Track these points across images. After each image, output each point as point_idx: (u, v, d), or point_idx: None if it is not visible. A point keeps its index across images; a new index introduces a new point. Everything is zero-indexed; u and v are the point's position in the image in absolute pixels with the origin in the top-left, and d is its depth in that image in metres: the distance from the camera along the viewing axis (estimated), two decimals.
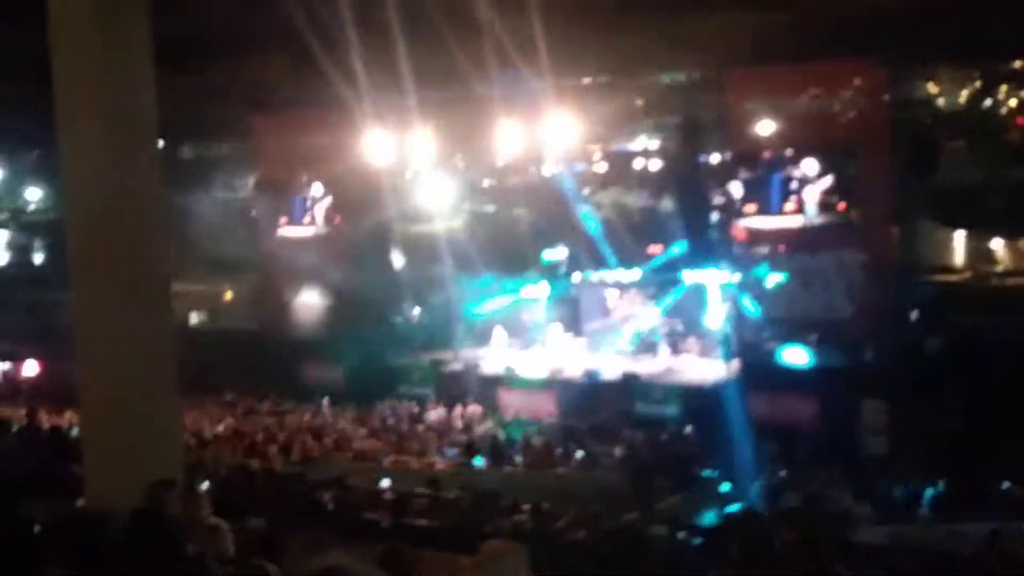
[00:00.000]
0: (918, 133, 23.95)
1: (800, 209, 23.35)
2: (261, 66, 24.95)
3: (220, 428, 22.01)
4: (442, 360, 27.22)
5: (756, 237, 23.91)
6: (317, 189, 30.14)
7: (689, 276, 26.81)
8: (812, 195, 23.22)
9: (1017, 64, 26.88)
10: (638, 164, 27.28)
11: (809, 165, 23.14)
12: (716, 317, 25.88)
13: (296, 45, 21.71)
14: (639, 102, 24.94)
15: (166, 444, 10.26)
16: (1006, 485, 16.07)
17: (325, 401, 25.33)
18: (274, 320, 30.60)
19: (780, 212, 23.58)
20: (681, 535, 12.12)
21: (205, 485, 10.53)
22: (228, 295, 37.01)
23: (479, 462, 19.83)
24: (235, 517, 8.63)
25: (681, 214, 25.74)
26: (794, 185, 23.41)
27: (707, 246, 25.01)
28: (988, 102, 27.96)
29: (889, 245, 23.41)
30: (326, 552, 7.89)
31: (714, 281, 25.91)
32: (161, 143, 11.33)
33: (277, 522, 9.11)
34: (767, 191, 23.75)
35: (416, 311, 29.79)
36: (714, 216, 24.96)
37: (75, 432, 14.46)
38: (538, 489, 15.58)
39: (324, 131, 28.36)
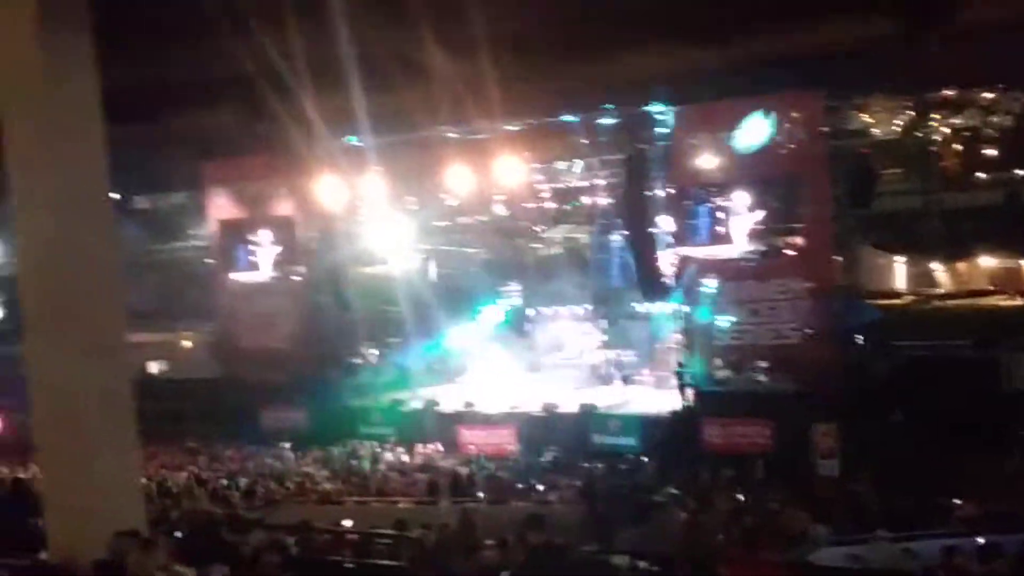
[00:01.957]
0: (856, 162, 24.34)
1: (745, 239, 23.75)
2: (213, 115, 25.04)
3: (183, 476, 21.98)
4: (401, 400, 27.36)
5: (704, 267, 24.24)
6: (272, 235, 30.20)
7: (641, 308, 27.25)
8: (755, 225, 23.63)
9: (948, 93, 27.52)
10: (586, 200, 27.78)
11: (751, 196, 23.55)
12: (668, 347, 26.29)
13: (248, 93, 21.89)
14: (584, 140, 25.27)
15: (127, 495, 10.37)
16: (956, 502, 16.35)
17: (287, 445, 25.35)
18: (233, 366, 30.54)
19: (725, 243, 23.97)
20: (642, 565, 12.30)
21: (169, 534, 10.63)
22: (187, 343, 36.91)
23: None
24: (200, 565, 8.75)
25: (630, 247, 26.08)
26: (738, 216, 23.81)
27: (657, 278, 25.31)
28: (921, 131, 28.58)
29: (833, 272, 23.75)
30: None
31: (665, 312, 26.34)
32: (114, 194, 11.45)
33: (242, 568, 9.26)
34: (712, 222, 24.14)
35: (374, 352, 29.91)
36: (662, 248, 25.31)
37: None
38: (501, 524, 15.70)
39: (277, 177, 28.58)
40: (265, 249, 30.30)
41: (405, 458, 23.67)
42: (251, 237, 30.43)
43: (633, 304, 27.62)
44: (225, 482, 21.21)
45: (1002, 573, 11.05)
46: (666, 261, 25.30)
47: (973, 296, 32.03)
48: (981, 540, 12.50)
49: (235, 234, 30.69)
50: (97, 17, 10.44)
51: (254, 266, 30.51)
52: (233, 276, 30.96)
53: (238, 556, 10.42)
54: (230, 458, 24.65)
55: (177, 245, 37.88)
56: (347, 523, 15.70)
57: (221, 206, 30.88)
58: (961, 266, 33.17)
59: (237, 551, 11.19)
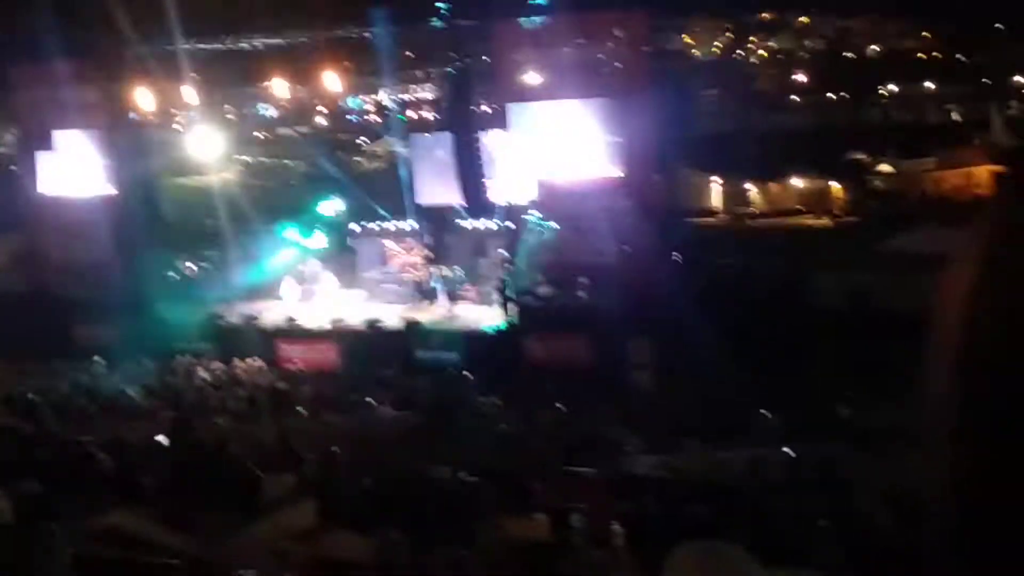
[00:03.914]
0: (676, 83, 24.88)
1: (563, 157, 24.00)
2: (21, 17, 23.77)
3: None
4: (219, 314, 26.81)
5: (527, 184, 24.45)
6: (82, 143, 28.92)
7: (465, 224, 27.35)
8: (576, 143, 23.91)
9: (766, 16, 28.23)
10: (411, 114, 27.58)
11: (571, 114, 23.77)
12: (492, 263, 26.51)
13: None
14: (408, 53, 25.06)
15: None
16: (763, 413, 17.11)
17: (99, 360, 24.60)
18: (42, 280, 29.36)
19: (545, 162, 24.18)
20: (462, 476, 12.51)
21: None
22: None
23: None
24: (9, 482, 8.51)
25: (455, 162, 26.03)
26: (555, 133, 23.99)
27: (481, 193, 25.42)
28: (740, 52, 29.30)
29: (652, 192, 24.33)
30: (107, 512, 7.96)
31: (489, 228, 26.53)
32: None
33: (54, 485, 9.03)
34: (537, 140, 24.30)
35: (191, 265, 29.18)
36: (486, 163, 25.38)
37: None
38: (322, 440, 15.69)
39: (87, 83, 27.30)
40: (75, 158, 29.01)
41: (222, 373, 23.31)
42: (60, 145, 29.08)
43: (457, 220, 27.66)
44: (34, 398, 20.48)
45: (802, 480, 11.71)
46: (490, 177, 25.44)
47: (783, 215, 33.27)
48: (786, 450, 13.21)
49: (43, 142, 29.26)
50: None
51: (63, 175, 29.22)
52: (41, 185, 29.61)
53: (50, 472, 10.15)
54: (39, 373, 23.76)
55: None
56: (161, 439, 15.41)
57: (28, 112, 29.41)
58: (773, 186, 34.35)
59: (48, 467, 10.90)
